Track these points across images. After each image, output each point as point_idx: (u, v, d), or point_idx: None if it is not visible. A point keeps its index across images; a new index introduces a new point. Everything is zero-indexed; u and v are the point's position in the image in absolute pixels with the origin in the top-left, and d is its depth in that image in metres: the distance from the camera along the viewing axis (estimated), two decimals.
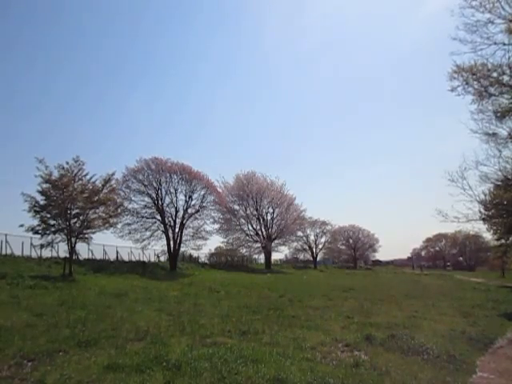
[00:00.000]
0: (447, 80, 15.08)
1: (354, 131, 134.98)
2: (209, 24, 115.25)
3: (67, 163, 17.74)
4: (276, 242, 44.17)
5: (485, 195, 19.25)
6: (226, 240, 42.05)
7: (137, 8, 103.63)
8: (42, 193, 17.00)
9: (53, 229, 17.22)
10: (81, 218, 17.95)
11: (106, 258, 26.96)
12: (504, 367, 5.56)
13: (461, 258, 78.45)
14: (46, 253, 20.43)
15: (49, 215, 17.12)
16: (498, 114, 15.31)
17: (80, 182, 18.06)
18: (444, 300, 14.42)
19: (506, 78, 14.31)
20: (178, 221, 30.28)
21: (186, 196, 30.52)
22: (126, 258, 29.49)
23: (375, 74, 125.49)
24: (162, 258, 32.84)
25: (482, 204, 19.38)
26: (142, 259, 30.90)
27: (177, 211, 30.21)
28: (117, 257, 28.55)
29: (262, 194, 41.26)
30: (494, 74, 14.34)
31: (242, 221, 42.19)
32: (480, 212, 19.79)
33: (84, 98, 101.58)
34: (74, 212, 17.57)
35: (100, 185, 18.96)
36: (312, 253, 57.16)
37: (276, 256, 53.44)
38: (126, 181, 28.37)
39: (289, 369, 4.74)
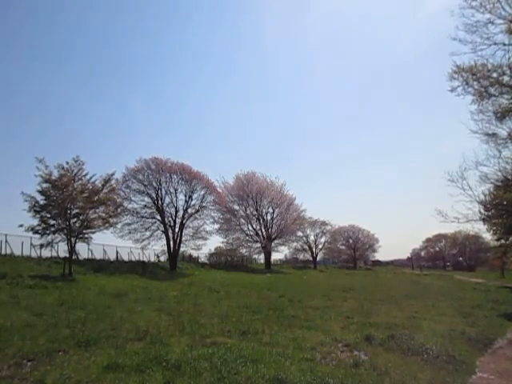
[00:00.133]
0: (447, 80, 15.06)
1: (354, 131, 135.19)
2: (209, 24, 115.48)
3: (67, 163, 17.82)
4: (276, 242, 44.12)
5: (485, 195, 19.19)
6: (225, 240, 42.09)
7: (137, 8, 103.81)
8: (41, 193, 17.02)
9: (53, 229, 17.24)
10: (81, 217, 17.97)
11: (106, 257, 26.96)
12: (504, 367, 5.57)
13: (460, 259, 78.32)
14: (46, 253, 20.46)
15: (49, 215, 17.15)
16: (498, 115, 15.29)
17: (80, 181, 18.10)
18: (444, 300, 14.43)
19: (506, 79, 14.29)
20: (178, 221, 30.31)
21: (185, 196, 30.59)
22: (125, 258, 29.50)
23: (375, 73, 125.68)
24: (162, 258, 32.85)
25: (482, 204, 19.32)
26: (141, 259, 30.93)
27: (177, 211, 30.24)
28: (117, 257, 28.56)
29: (262, 194, 41.23)
30: (494, 75, 14.33)
31: (242, 221, 42.20)
32: (480, 212, 19.72)
33: (84, 98, 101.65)
34: (73, 212, 17.59)
35: (100, 185, 19.00)
36: (312, 253, 57.14)
37: (276, 256, 53.59)
38: (125, 181, 28.40)
39: (288, 369, 4.74)
